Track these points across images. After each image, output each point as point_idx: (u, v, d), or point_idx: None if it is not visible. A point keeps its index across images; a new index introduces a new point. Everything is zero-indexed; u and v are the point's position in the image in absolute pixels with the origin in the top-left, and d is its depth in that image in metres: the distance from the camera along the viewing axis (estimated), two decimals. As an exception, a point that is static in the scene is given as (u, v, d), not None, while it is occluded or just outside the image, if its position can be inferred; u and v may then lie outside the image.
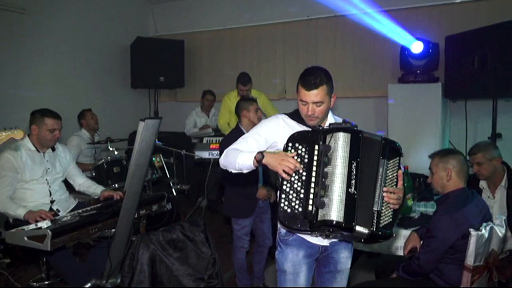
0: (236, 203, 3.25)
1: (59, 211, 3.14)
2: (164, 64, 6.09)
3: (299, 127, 2.05)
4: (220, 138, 4.95)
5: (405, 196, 3.13)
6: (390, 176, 1.89)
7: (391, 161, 1.90)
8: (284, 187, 1.85)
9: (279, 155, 1.85)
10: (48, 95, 5.18)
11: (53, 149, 3.26)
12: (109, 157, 3.99)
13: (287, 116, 2.11)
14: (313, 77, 1.92)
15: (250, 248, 3.40)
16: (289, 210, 1.83)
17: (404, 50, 4.59)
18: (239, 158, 1.95)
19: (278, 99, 5.76)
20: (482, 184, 3.12)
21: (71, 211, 3.17)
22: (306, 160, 1.85)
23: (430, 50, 4.45)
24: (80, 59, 5.68)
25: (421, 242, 2.60)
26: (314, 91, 1.92)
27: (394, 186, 1.89)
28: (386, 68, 5.10)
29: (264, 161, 1.87)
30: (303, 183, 1.84)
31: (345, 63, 5.39)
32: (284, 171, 1.81)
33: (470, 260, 2.20)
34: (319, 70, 1.96)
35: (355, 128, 2.04)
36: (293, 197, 1.84)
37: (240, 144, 2.06)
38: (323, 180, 1.79)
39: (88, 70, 5.81)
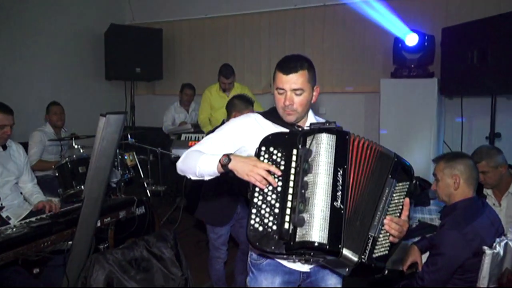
0: (213, 208, 2.90)
1: (9, 218, 2.73)
2: (141, 55, 5.69)
3: (275, 128, 1.73)
4: (200, 135, 4.59)
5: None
6: (396, 201, 1.59)
7: (400, 184, 1.61)
8: (255, 199, 1.50)
9: (249, 160, 1.51)
10: (9, 87, 4.72)
11: (4, 148, 2.85)
12: (74, 156, 3.58)
13: (260, 115, 1.78)
14: (293, 61, 1.64)
15: (230, 256, 3.07)
16: (260, 229, 1.47)
17: (397, 43, 4.31)
18: (200, 161, 1.60)
19: (263, 94, 5.42)
20: (487, 190, 2.84)
21: (25, 218, 2.77)
22: (282, 167, 1.52)
23: (426, 43, 4.18)
24: (48, 47, 5.23)
25: (422, 256, 2.31)
26: (294, 75, 1.62)
27: (398, 215, 1.59)
28: (378, 62, 4.82)
29: (230, 165, 1.52)
30: (278, 195, 1.50)
31: (334, 55, 5.09)
32: (256, 179, 1.48)
33: (483, 282, 1.91)
34: (300, 56, 1.69)
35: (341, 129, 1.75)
36: (265, 212, 1.49)
37: (203, 145, 1.72)
38: (303, 191, 1.46)
39: (58, 59, 5.37)
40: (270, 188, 1.50)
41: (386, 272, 1.55)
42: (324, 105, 5.16)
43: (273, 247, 1.47)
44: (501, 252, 1.95)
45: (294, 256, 1.52)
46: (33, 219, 2.55)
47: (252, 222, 1.49)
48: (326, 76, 5.09)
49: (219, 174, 1.60)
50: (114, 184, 3.50)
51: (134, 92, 6.16)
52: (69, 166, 3.50)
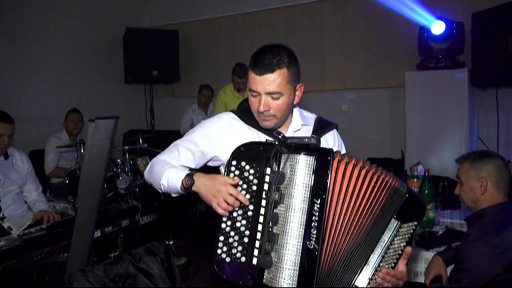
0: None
1: (11, 229, 2.67)
2: (158, 57, 5.61)
3: (250, 133, 1.48)
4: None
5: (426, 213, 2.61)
6: (396, 246, 1.31)
7: (405, 225, 1.32)
8: (223, 225, 1.29)
9: (215, 181, 1.28)
10: (29, 94, 4.76)
11: (6, 157, 2.80)
12: (85, 162, 3.51)
13: (235, 116, 1.53)
14: (269, 56, 1.35)
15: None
16: (228, 259, 1.27)
17: (423, 32, 3.99)
18: (164, 177, 1.39)
19: (282, 93, 5.20)
20: None
21: (28, 228, 2.71)
22: (254, 187, 1.27)
23: (454, 31, 3.84)
24: (67, 54, 5.24)
25: (447, 269, 2.04)
26: (269, 76, 1.34)
27: (395, 262, 1.31)
28: (402, 54, 4.50)
29: (194, 188, 1.32)
30: (250, 220, 1.27)
31: (355, 49, 4.82)
32: (221, 207, 1.26)
33: (516, 304, 1.62)
34: (280, 47, 1.39)
35: (335, 134, 1.54)
36: (234, 240, 1.28)
37: (170, 153, 1.49)
38: (270, 229, 1.22)
39: (77, 65, 5.36)
40: (240, 212, 1.28)
41: None
42: (346, 102, 4.90)
43: (241, 282, 1.26)
44: (538, 268, 1.66)
45: None
46: (33, 229, 2.47)
47: (219, 251, 1.28)
48: (347, 71, 4.84)
49: (184, 194, 1.40)
50: (123, 190, 3.40)
51: (153, 95, 6.10)
52: (79, 172, 3.42)
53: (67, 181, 3.57)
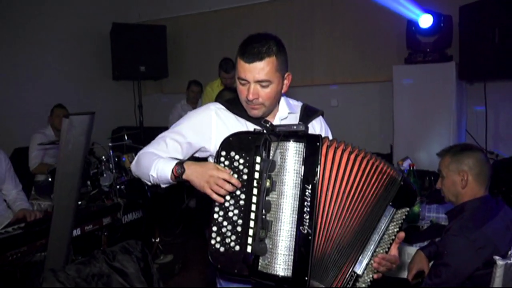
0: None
1: (-10, 227, 2.62)
2: (145, 53, 5.55)
3: (238, 123, 1.48)
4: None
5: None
6: (390, 232, 1.36)
7: (399, 212, 1.37)
8: (216, 215, 1.29)
9: (206, 168, 1.28)
10: (12, 90, 4.69)
11: (-17, 154, 2.74)
12: (68, 159, 3.45)
13: (222, 107, 1.52)
14: (257, 44, 1.35)
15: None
16: (222, 249, 1.28)
17: (410, 25, 3.96)
18: (152, 169, 1.38)
19: (270, 88, 5.16)
20: None
21: (7, 226, 2.66)
22: (245, 177, 1.28)
23: (442, 24, 3.81)
24: (53, 49, 5.17)
25: (429, 264, 2.01)
26: (258, 64, 1.34)
27: (388, 247, 1.36)
28: (391, 48, 4.46)
29: (185, 176, 1.31)
30: (242, 209, 1.28)
31: (344, 43, 4.77)
32: (213, 191, 1.26)
33: (495, 299, 1.60)
34: (268, 36, 1.39)
35: (322, 121, 1.56)
36: (227, 230, 1.29)
37: (156, 145, 1.48)
38: (263, 216, 1.23)
39: (63, 61, 5.29)
40: (232, 201, 1.28)
41: None
42: (335, 96, 4.86)
43: (236, 271, 1.27)
44: (518, 262, 1.64)
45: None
46: (10, 228, 2.43)
47: (213, 242, 1.29)
48: (336, 65, 4.80)
49: (175, 183, 1.38)
50: (107, 188, 3.35)
51: (142, 91, 6.04)
52: (62, 170, 3.37)
53: (49, 179, 3.54)
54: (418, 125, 3.93)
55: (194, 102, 5.29)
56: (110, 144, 3.60)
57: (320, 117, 1.62)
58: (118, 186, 3.53)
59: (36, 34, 4.97)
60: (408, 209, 1.37)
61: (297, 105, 1.60)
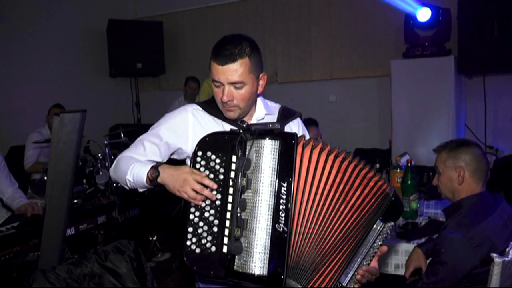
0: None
1: (-17, 227, 2.60)
2: (142, 49, 5.52)
3: (215, 125, 1.47)
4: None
5: (408, 198, 2.56)
6: (375, 245, 1.37)
7: (386, 226, 1.37)
8: (191, 216, 1.27)
9: (181, 172, 1.27)
10: (9, 89, 4.66)
11: (-24, 152, 2.72)
12: (64, 158, 3.43)
13: (199, 107, 1.51)
14: (230, 46, 1.35)
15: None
16: (198, 250, 1.26)
17: (408, 19, 3.93)
18: (129, 172, 1.37)
19: (268, 84, 5.10)
20: None
21: (2, 225, 2.64)
22: (221, 176, 1.27)
23: (440, 17, 3.79)
24: (49, 47, 5.13)
25: (427, 261, 1.99)
26: (231, 66, 1.34)
27: (369, 262, 1.37)
28: (389, 42, 4.44)
29: (160, 180, 1.31)
30: (218, 209, 1.26)
31: (342, 38, 4.76)
32: (189, 197, 1.24)
33: (493, 297, 1.57)
34: (241, 37, 1.39)
35: (299, 123, 1.55)
36: (203, 231, 1.26)
37: (135, 149, 1.47)
38: (238, 214, 1.20)
39: (59, 59, 5.25)
40: (208, 202, 1.26)
41: None
42: (334, 92, 4.83)
43: (212, 272, 1.25)
44: (516, 260, 1.61)
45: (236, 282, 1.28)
46: (4, 228, 2.40)
47: (188, 243, 1.26)
48: (334, 60, 4.77)
49: (151, 187, 1.38)
50: (103, 186, 3.33)
51: (139, 88, 6.01)
52: (57, 168, 3.35)
53: (45, 178, 3.51)
54: (416, 120, 3.90)
55: (192, 99, 5.26)
56: (106, 142, 3.57)
57: (298, 118, 1.61)
58: (114, 184, 3.51)
59: (31, 31, 4.93)
60: (393, 223, 1.38)
61: (275, 106, 1.59)
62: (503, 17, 3.31)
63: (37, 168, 4.02)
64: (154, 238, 3.57)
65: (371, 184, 1.32)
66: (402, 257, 2.25)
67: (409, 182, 2.58)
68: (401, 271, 2.23)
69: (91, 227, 2.56)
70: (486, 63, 3.56)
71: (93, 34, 5.65)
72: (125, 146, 4.17)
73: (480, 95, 3.91)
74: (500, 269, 1.55)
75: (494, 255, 1.57)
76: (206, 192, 1.24)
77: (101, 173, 3.44)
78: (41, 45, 5.04)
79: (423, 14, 3.77)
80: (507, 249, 1.65)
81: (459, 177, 1.80)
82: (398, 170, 2.83)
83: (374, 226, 1.34)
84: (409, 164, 2.69)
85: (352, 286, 1.35)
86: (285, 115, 1.54)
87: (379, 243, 1.36)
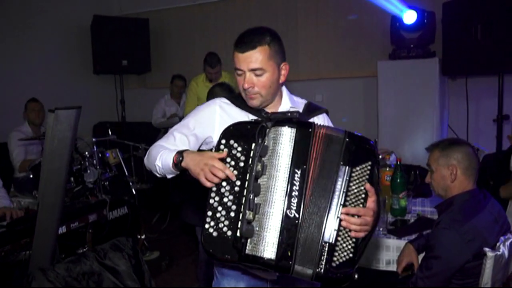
0: (198, 208, 2.68)
1: (-32, 227, 2.52)
2: (127, 47, 5.44)
3: (242, 115, 1.51)
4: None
5: (397, 196, 2.62)
6: (355, 191, 1.30)
7: (357, 168, 1.31)
8: (211, 200, 1.31)
9: (202, 156, 1.32)
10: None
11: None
12: (50, 155, 3.36)
13: (227, 101, 1.57)
14: (250, 34, 1.41)
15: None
16: (215, 234, 1.30)
17: (394, 21, 4.00)
18: (158, 159, 1.44)
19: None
20: None
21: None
22: (242, 164, 1.31)
23: (425, 20, 3.87)
24: (31, 42, 5.01)
25: (419, 257, 2.04)
26: (251, 53, 1.39)
27: (361, 206, 1.30)
28: (375, 43, 4.50)
29: (183, 164, 1.35)
30: (236, 195, 1.30)
31: (329, 39, 4.79)
32: (207, 179, 1.29)
33: (485, 289, 1.63)
34: (263, 28, 1.46)
35: (326, 119, 1.56)
36: (221, 215, 1.30)
37: (166, 139, 1.54)
38: (251, 197, 1.24)
39: (42, 54, 5.14)
40: (228, 188, 1.31)
41: (357, 276, 1.30)
42: (320, 92, 4.87)
43: (226, 255, 1.28)
44: (506, 253, 1.68)
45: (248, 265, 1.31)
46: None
47: (207, 226, 1.31)
48: (321, 61, 4.81)
49: (178, 172, 1.43)
50: (91, 184, 3.29)
51: (124, 86, 5.93)
52: (43, 166, 3.28)
53: (31, 176, 3.44)
54: (402, 120, 3.98)
55: (178, 97, 5.23)
56: (94, 140, 3.52)
57: (324, 114, 1.64)
58: (102, 183, 3.47)
59: (13, 26, 4.81)
60: (369, 163, 1.31)
61: (302, 101, 1.63)
62: (486, 21, 3.38)
63: (26, 166, 3.93)
64: (142, 237, 3.54)
65: (320, 138, 1.31)
66: (393, 253, 2.29)
67: (398, 180, 2.64)
68: (392, 267, 2.28)
69: (82, 225, 2.53)
70: (469, 65, 3.61)
71: (77, 30, 5.53)
72: (113, 144, 4.13)
73: (462, 96, 4.02)
74: (492, 262, 1.62)
75: (486, 249, 1.64)
76: (223, 176, 1.27)
77: (89, 171, 3.39)
78: (23, 40, 4.92)
79: (409, 17, 3.85)
80: (497, 244, 1.72)
81: (452, 175, 1.86)
82: (387, 169, 2.89)
83: (339, 172, 1.28)
84: (398, 163, 2.76)
85: (349, 242, 1.28)
86: (311, 110, 1.59)
87: (361, 188, 1.29)
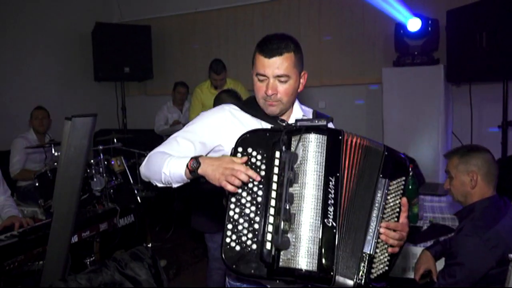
0: (208, 215, 2.65)
1: (-24, 237, 2.47)
2: (129, 54, 5.41)
3: (255, 122, 1.47)
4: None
5: (409, 203, 2.62)
6: (392, 204, 1.30)
7: (394, 182, 1.31)
8: (231, 212, 1.25)
9: (221, 161, 1.24)
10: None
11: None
12: (55, 164, 3.33)
13: (237, 108, 1.52)
14: (276, 41, 1.38)
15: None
16: (238, 248, 1.23)
17: (399, 29, 4.03)
18: (165, 166, 1.32)
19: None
20: None
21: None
22: (262, 173, 1.26)
23: (429, 28, 3.89)
24: (33, 50, 4.97)
25: (437, 263, 2.04)
26: (277, 59, 1.37)
27: (395, 219, 1.29)
28: (379, 50, 4.52)
29: (200, 171, 1.25)
30: (259, 206, 1.24)
31: (332, 46, 4.80)
32: (229, 183, 1.20)
33: (511, 297, 1.63)
34: (285, 35, 1.43)
35: (332, 126, 1.49)
36: (243, 228, 1.24)
37: (168, 145, 1.44)
38: (287, 206, 1.19)
39: (44, 61, 5.11)
40: (249, 198, 1.25)
41: None
42: (323, 98, 4.88)
43: (252, 271, 1.22)
44: (530, 260, 1.68)
45: (277, 281, 1.26)
46: (3, 236, 2.30)
47: (228, 240, 1.24)
48: (324, 68, 4.82)
49: (188, 181, 1.34)
50: (98, 192, 3.25)
51: (125, 93, 5.90)
52: (49, 175, 3.25)
53: (37, 184, 3.40)
54: (407, 126, 3.99)
55: (181, 104, 5.22)
56: (100, 147, 3.49)
57: (331, 123, 1.60)
58: (108, 191, 3.44)
59: (16, 34, 4.77)
60: (404, 178, 1.33)
61: (308, 110, 1.62)
62: (490, 28, 3.41)
63: (24, 175, 3.89)
64: (149, 245, 3.51)
65: (358, 149, 1.31)
66: (409, 260, 2.29)
67: (410, 187, 2.64)
68: (408, 274, 2.28)
69: (93, 234, 2.49)
70: (473, 72, 3.63)
71: (79, 37, 5.51)
72: (117, 151, 4.10)
73: (466, 103, 4.04)
74: (517, 269, 1.62)
75: (511, 256, 1.64)
76: (246, 179, 1.20)
77: (95, 179, 3.36)
78: (24, 47, 4.88)
79: (413, 24, 3.87)
80: (521, 250, 1.72)
81: (472, 181, 1.86)
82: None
83: (378, 184, 1.29)
84: (409, 169, 2.76)
85: (386, 254, 1.27)
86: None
87: (397, 202, 1.30)
